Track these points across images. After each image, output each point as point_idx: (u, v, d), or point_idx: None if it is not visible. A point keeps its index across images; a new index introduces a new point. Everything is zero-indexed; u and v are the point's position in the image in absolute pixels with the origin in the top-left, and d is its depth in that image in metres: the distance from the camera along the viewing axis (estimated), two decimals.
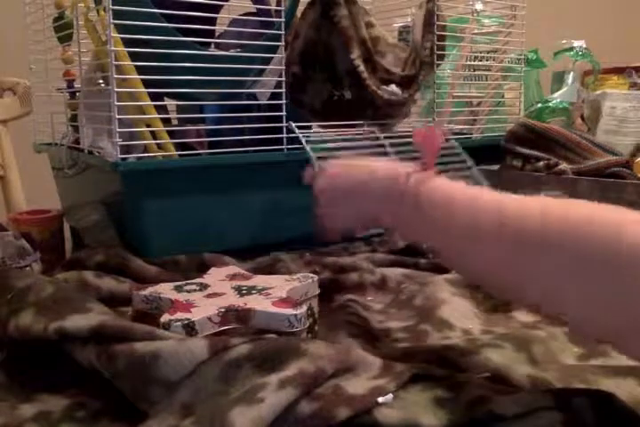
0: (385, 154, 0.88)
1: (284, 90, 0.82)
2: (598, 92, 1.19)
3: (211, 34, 0.94)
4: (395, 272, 0.74)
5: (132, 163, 0.74)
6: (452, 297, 0.66)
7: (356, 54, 0.83)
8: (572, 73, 1.32)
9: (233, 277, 0.62)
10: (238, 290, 0.57)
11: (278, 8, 0.84)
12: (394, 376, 0.43)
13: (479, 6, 1.08)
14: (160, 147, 0.77)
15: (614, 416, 0.39)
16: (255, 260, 0.79)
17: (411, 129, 1.05)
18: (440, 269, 0.75)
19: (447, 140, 0.95)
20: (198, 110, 0.90)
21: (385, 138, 0.90)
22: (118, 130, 0.71)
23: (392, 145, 0.90)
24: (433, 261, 0.79)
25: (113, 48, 0.71)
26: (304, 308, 0.52)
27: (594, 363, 0.52)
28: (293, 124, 0.81)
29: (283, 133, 0.82)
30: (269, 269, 0.74)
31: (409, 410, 0.40)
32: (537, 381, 0.45)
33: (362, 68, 0.84)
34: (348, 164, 0.52)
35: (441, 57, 0.98)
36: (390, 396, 0.41)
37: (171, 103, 0.91)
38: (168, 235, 0.77)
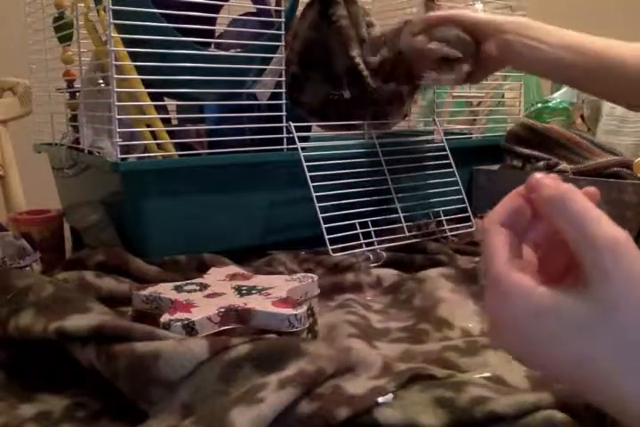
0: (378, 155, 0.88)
1: (283, 90, 0.82)
2: None
3: (211, 34, 0.94)
4: (389, 273, 0.75)
5: (132, 163, 0.74)
6: (451, 294, 0.66)
7: (356, 52, 0.83)
8: None
9: (233, 277, 0.62)
10: (238, 290, 0.57)
11: (278, 8, 0.84)
12: (394, 376, 0.43)
13: (479, 6, 1.08)
14: (160, 147, 0.77)
15: (614, 416, 0.39)
16: (254, 260, 0.79)
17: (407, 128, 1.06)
18: (436, 266, 0.75)
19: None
20: (198, 110, 0.90)
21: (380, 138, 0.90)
22: (118, 130, 0.71)
23: (386, 145, 0.90)
24: (430, 257, 0.79)
25: (113, 48, 0.71)
26: (304, 308, 0.52)
27: None
28: (292, 125, 0.81)
29: (282, 133, 0.82)
30: (266, 269, 0.74)
31: (409, 410, 0.40)
32: (537, 381, 0.45)
33: (362, 66, 0.84)
34: None
35: None
36: (390, 396, 0.41)
37: (171, 103, 0.91)
38: (168, 235, 0.77)
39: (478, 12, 1.07)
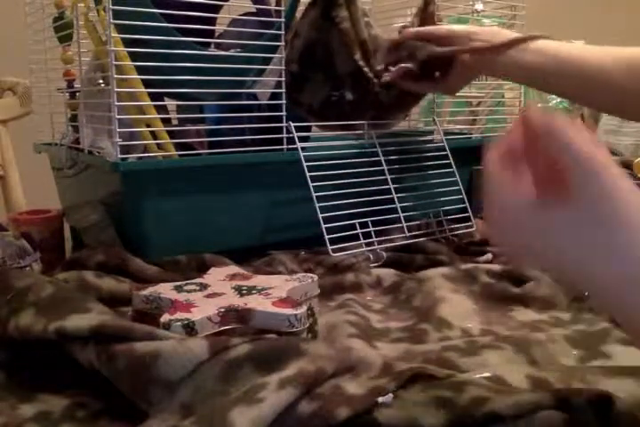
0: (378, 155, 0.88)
1: (284, 90, 0.82)
2: None
3: (211, 34, 0.94)
4: (389, 273, 0.75)
5: (132, 163, 0.74)
6: (451, 294, 0.66)
7: (359, 55, 0.83)
8: None
9: (233, 277, 0.62)
10: (238, 290, 0.57)
11: (278, 8, 0.84)
12: (394, 376, 0.43)
13: (479, 6, 1.08)
14: (160, 147, 0.77)
15: (614, 417, 0.39)
16: (254, 260, 0.79)
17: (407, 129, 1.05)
18: (436, 266, 0.75)
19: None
20: (198, 110, 0.90)
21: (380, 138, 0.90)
22: (118, 130, 0.71)
23: (386, 145, 0.90)
24: (430, 257, 0.79)
25: (113, 48, 0.71)
26: (304, 308, 0.52)
27: (593, 364, 0.52)
28: (292, 125, 0.81)
29: (282, 133, 0.82)
30: (266, 269, 0.74)
31: (409, 410, 0.40)
32: (537, 381, 0.45)
33: (367, 69, 0.84)
34: None
35: None
36: (390, 396, 0.41)
37: (171, 103, 0.91)
38: (168, 235, 0.77)
39: (478, 11, 1.07)
